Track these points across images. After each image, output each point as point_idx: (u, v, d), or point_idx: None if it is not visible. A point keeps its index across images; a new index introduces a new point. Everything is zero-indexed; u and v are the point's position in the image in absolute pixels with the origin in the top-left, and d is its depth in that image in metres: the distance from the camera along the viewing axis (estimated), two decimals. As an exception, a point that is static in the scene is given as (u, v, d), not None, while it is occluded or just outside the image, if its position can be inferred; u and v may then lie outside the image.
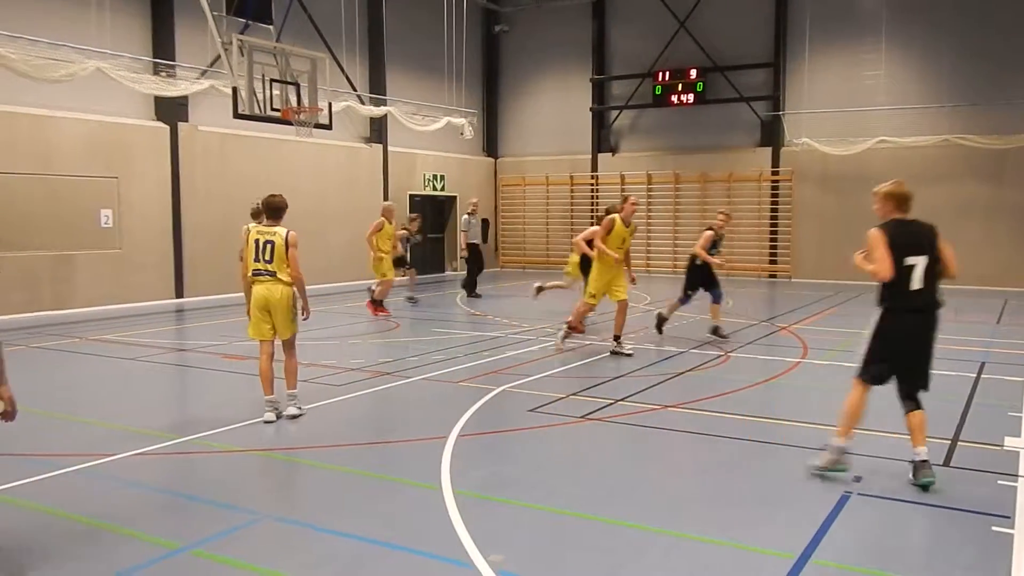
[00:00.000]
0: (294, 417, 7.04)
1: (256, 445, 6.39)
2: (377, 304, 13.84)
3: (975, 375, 8.92)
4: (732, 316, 13.83)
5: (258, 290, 7.04)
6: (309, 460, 6.13)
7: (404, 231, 15.82)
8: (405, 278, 15.97)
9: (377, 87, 20.53)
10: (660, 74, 22.24)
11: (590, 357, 10.07)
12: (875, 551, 4.39)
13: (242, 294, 7.41)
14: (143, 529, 4.63)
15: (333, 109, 15.35)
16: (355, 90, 19.60)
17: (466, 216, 17.19)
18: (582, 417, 7.15)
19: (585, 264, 11.46)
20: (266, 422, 6.89)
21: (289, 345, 7.19)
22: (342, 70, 19.16)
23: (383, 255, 13.72)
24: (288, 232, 7.01)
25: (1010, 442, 6.38)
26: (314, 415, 7.19)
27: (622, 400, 7.76)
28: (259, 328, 7.10)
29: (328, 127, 15.21)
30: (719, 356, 10.10)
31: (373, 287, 14.08)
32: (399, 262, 15.62)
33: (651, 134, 23.32)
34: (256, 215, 9.41)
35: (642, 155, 23.33)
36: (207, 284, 16.08)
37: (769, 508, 5.12)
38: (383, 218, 13.85)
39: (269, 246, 6.99)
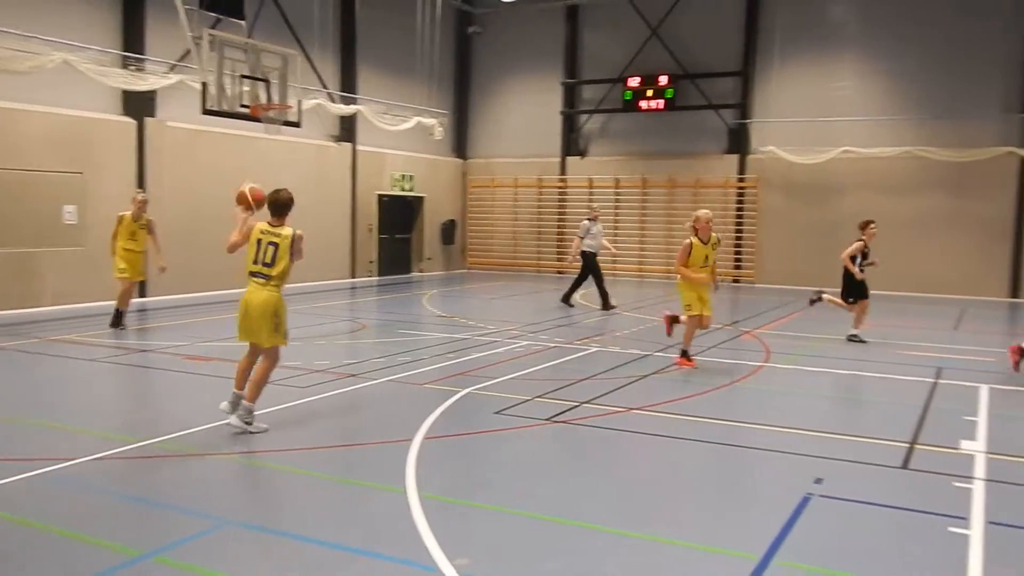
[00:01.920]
0: (236, 431, 6.52)
1: (219, 449, 6.31)
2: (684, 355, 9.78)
3: (933, 380, 9.12)
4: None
5: (244, 294, 6.73)
6: (273, 464, 6.07)
7: (860, 242, 11.69)
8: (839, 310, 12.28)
9: (348, 85, 20.42)
10: (631, 79, 22.40)
11: (556, 359, 10.11)
12: (836, 552, 4.48)
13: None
14: (105, 536, 4.56)
15: (303, 107, 15.22)
16: (326, 88, 19.47)
17: (586, 222, 15.44)
18: (548, 419, 7.18)
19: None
20: (221, 409, 6.65)
21: (268, 355, 6.77)
22: (313, 67, 19.02)
23: (701, 274, 9.53)
24: (295, 231, 6.68)
25: (966, 445, 6.55)
26: (279, 417, 7.11)
27: (588, 402, 7.80)
28: (244, 332, 6.76)
29: (297, 125, 15.08)
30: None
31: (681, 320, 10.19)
32: (855, 287, 11.60)
33: (620, 139, 23.46)
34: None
35: (611, 159, 23.46)
36: (172, 283, 15.84)
37: (732, 510, 5.20)
38: (696, 235, 9.49)
39: (272, 248, 6.63)
